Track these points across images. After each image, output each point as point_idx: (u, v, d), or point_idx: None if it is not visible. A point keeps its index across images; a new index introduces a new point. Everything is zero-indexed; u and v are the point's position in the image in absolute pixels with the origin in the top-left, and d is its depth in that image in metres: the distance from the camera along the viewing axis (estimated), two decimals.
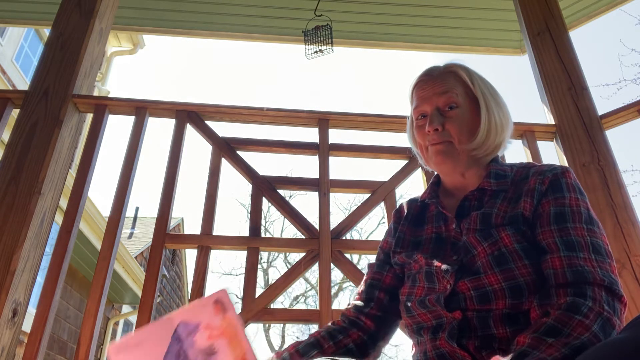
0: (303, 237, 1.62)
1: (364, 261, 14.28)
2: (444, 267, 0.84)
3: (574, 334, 0.64)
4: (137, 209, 10.82)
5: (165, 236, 1.50)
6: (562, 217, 0.79)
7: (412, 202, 1.04)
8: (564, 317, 0.66)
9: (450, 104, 0.90)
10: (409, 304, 0.87)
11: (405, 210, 1.03)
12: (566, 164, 1.71)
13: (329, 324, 0.98)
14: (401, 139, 2.03)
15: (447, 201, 0.95)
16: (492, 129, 0.90)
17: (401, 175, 1.72)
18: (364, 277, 1.03)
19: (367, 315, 0.96)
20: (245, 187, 18.45)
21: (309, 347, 0.90)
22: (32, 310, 1.33)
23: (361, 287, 1.01)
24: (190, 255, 13.27)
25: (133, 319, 7.98)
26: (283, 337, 16.62)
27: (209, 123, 1.76)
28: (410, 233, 0.98)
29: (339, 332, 0.94)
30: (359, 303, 0.98)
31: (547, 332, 0.65)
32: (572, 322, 0.65)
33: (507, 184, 0.87)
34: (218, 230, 1.57)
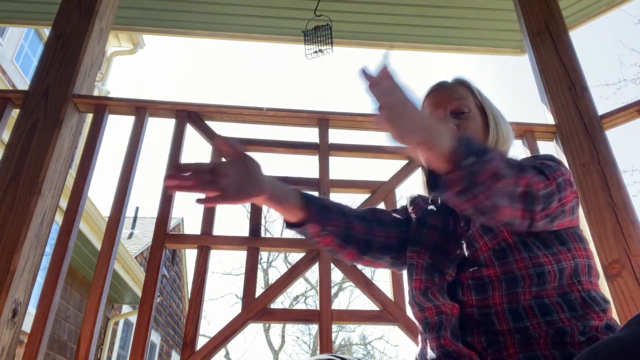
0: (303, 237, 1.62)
1: None
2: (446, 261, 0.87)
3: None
4: (137, 209, 10.82)
5: (165, 236, 1.50)
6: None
7: (423, 198, 1.07)
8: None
9: (463, 109, 0.96)
10: (416, 299, 0.90)
11: (419, 205, 1.06)
12: (566, 164, 1.71)
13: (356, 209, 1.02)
14: None
15: None
16: (500, 138, 0.97)
17: (401, 175, 1.72)
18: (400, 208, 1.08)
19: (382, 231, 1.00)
20: None
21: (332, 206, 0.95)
22: (32, 310, 1.32)
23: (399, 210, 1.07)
24: (190, 255, 13.27)
25: (133, 319, 7.97)
26: (283, 337, 16.62)
27: (209, 123, 1.76)
28: (416, 229, 1.00)
29: (361, 219, 0.98)
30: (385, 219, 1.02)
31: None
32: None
33: None
34: (218, 230, 1.57)
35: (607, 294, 1.46)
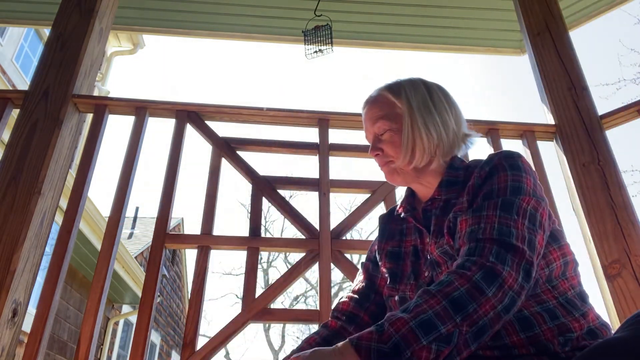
0: (303, 237, 1.62)
1: None
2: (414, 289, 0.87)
3: (455, 285, 0.68)
4: (137, 209, 10.82)
5: (165, 236, 1.50)
6: (485, 196, 0.80)
7: (389, 216, 1.06)
8: (451, 274, 0.71)
9: (382, 131, 0.95)
10: None
11: (385, 224, 1.05)
12: (566, 164, 1.71)
13: (322, 327, 0.99)
14: None
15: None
16: (418, 142, 0.90)
17: None
18: (360, 275, 1.05)
19: (366, 310, 0.98)
20: (245, 187, 18.44)
21: None
22: (32, 310, 1.32)
23: (358, 283, 1.03)
24: (190, 255, 13.27)
25: (133, 319, 7.98)
26: (283, 337, 16.63)
27: (209, 123, 1.76)
28: (389, 248, 0.99)
29: (335, 336, 0.94)
30: (357, 297, 1.00)
31: (436, 284, 0.70)
32: (456, 276, 0.70)
33: (457, 190, 0.88)
34: (218, 230, 1.57)
35: (607, 294, 1.46)
